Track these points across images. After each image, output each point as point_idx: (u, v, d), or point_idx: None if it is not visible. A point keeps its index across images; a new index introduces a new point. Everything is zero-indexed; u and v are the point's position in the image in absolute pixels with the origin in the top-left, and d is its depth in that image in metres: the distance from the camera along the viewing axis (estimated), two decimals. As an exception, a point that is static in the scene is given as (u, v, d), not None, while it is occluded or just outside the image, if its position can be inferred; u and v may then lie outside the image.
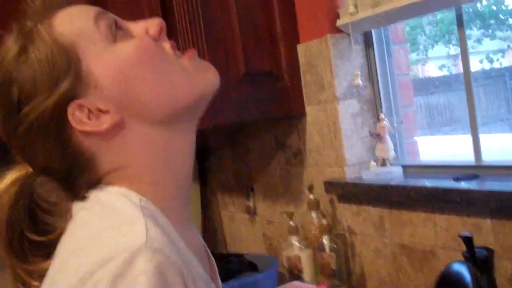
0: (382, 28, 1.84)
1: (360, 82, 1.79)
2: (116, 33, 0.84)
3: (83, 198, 0.84)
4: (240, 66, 1.85)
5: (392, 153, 1.77)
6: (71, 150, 0.82)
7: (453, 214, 1.49)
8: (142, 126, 0.83)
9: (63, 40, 0.81)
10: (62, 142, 0.82)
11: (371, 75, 1.86)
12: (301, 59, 1.93)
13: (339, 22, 1.80)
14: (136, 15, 1.98)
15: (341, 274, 1.75)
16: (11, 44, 0.82)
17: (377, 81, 1.85)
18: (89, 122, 0.81)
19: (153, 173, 0.84)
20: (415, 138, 1.95)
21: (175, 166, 0.86)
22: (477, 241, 1.38)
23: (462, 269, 1.12)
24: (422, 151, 1.96)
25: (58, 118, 0.81)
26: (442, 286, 1.05)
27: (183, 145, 0.87)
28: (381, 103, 1.85)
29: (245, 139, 2.30)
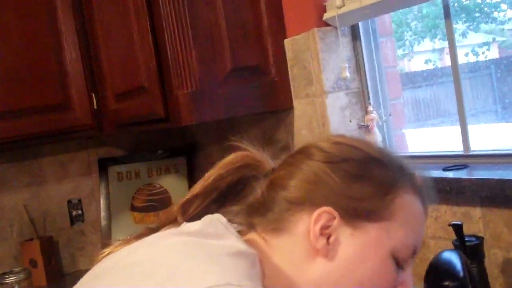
0: (369, 20, 1.84)
1: (348, 74, 1.79)
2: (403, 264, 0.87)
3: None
4: (227, 62, 1.85)
5: (381, 144, 1.78)
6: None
7: (443, 204, 1.50)
8: (326, 270, 0.85)
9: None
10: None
11: (358, 67, 1.87)
12: (288, 53, 1.93)
13: (326, 16, 1.80)
14: (122, 14, 1.98)
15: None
16: None
17: (365, 74, 1.86)
18: (323, 230, 0.85)
19: None
20: (403, 130, 1.95)
21: None
22: (467, 230, 1.39)
23: (453, 257, 1.12)
24: (411, 143, 1.97)
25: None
26: (432, 274, 1.05)
27: None
28: (369, 95, 1.86)
29: (233, 134, 2.30)
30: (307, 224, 0.85)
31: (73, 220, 2.66)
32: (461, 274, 1.09)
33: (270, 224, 0.88)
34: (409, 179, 0.89)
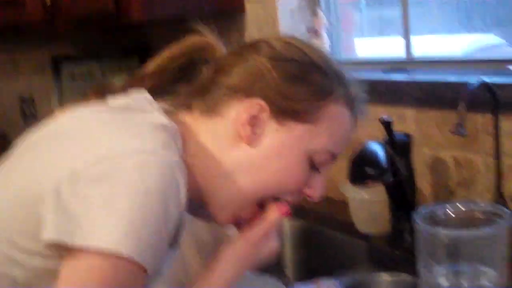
0: None
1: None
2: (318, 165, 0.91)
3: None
4: (180, -42, 1.83)
5: (327, 49, 1.81)
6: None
7: (380, 105, 1.55)
8: (246, 157, 0.89)
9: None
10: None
11: (310, -29, 1.87)
12: (242, -46, 1.92)
13: None
14: None
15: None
16: None
17: (316, -23, 1.87)
18: (251, 120, 0.88)
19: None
20: (352, 37, 1.98)
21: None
22: (401, 130, 1.45)
23: (377, 148, 1.18)
24: (360, 50, 2.00)
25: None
26: (355, 162, 1.11)
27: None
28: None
29: (186, 36, 2.29)
30: (238, 111, 0.89)
31: (26, 118, 2.67)
32: (383, 163, 1.15)
33: (206, 105, 0.92)
34: (345, 91, 0.92)
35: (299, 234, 1.75)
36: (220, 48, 0.98)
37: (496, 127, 1.19)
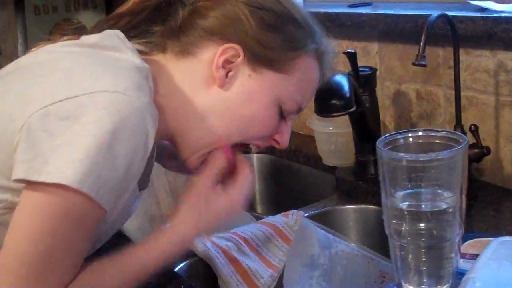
0: None
1: None
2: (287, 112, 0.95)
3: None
4: None
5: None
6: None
7: (344, 39, 1.58)
8: (218, 99, 0.91)
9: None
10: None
11: None
12: None
13: None
14: None
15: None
16: None
17: None
18: (225, 63, 0.91)
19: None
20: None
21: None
22: (365, 63, 1.48)
23: (342, 80, 1.21)
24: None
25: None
26: (321, 94, 1.13)
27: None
28: None
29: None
30: (213, 53, 0.91)
31: (-12, 53, 2.62)
32: (348, 94, 1.19)
33: (180, 46, 0.93)
34: (317, 45, 0.95)
35: (268, 168, 1.79)
36: None
37: (456, 60, 1.23)
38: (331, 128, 1.50)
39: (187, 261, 1.13)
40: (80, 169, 0.74)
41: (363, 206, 1.39)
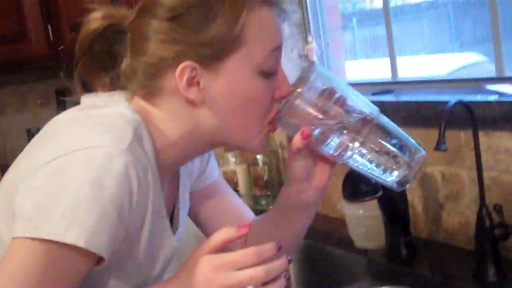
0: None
1: (289, 7, 1.90)
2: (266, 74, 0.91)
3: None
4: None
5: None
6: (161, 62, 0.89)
7: (370, 125, 1.63)
8: (210, 112, 0.91)
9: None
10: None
11: (300, 0, 1.97)
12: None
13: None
14: None
15: (273, 185, 1.90)
16: None
17: (306, 6, 1.96)
18: (190, 82, 0.89)
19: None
20: (343, 60, 2.07)
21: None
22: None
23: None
24: (350, 73, 2.09)
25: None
26: (350, 180, 1.18)
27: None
28: (309, 26, 1.97)
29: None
30: (174, 81, 0.88)
31: (33, 150, 2.74)
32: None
33: (143, 90, 0.92)
34: None
35: (301, 252, 1.82)
36: (124, 13, 0.95)
37: (476, 142, 1.27)
38: (361, 211, 1.53)
39: None
40: (64, 221, 0.77)
41: (395, 287, 1.40)
